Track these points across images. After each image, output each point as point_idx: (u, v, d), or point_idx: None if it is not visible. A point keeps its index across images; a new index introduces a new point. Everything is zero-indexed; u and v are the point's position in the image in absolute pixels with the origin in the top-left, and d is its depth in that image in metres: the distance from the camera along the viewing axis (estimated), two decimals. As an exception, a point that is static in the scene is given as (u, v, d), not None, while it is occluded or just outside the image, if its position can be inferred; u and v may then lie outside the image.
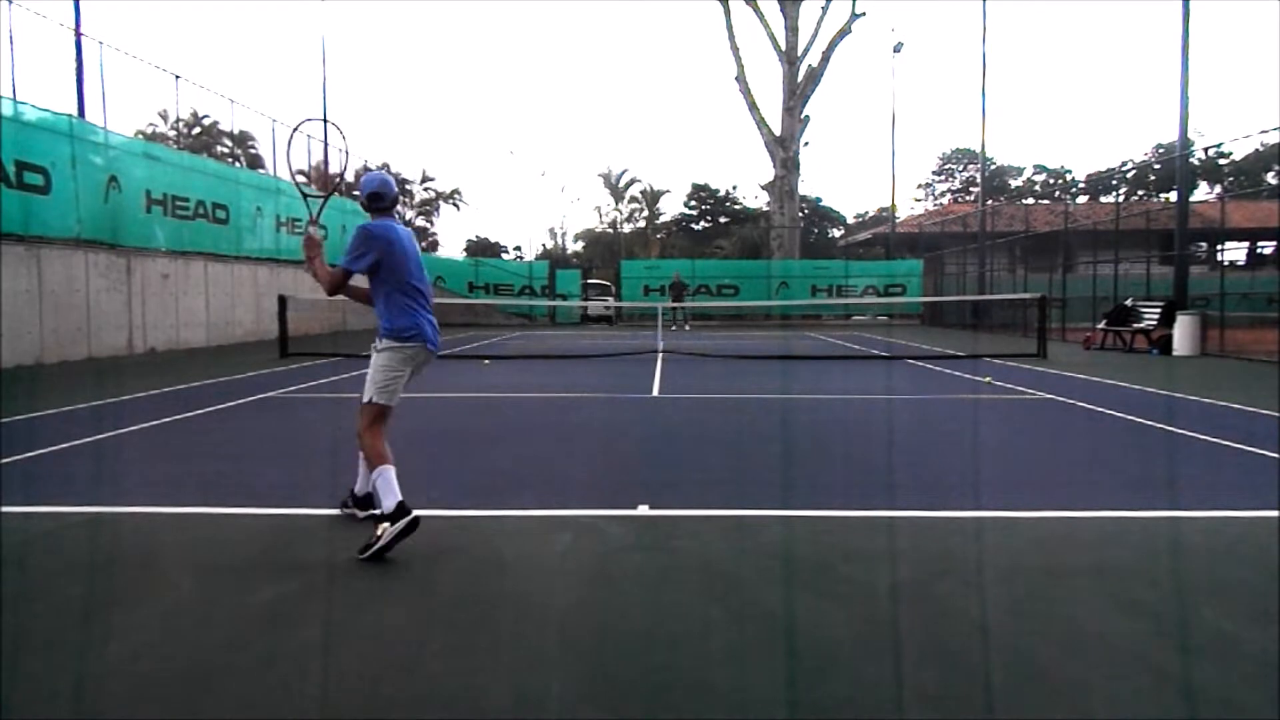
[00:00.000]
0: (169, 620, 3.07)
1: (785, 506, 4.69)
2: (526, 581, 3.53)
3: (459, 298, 30.68)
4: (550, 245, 59.41)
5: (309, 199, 4.74)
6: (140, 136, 25.33)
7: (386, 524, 3.73)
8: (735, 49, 34.57)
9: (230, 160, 37.23)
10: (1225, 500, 4.86)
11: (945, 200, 61.66)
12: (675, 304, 28.12)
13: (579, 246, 56.69)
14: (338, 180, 5.26)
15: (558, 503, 4.72)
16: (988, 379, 11.35)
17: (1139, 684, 2.57)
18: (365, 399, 3.99)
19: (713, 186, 54.62)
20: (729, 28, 34.70)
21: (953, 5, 76.82)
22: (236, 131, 37.26)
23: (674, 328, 27.86)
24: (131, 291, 15.86)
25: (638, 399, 9.57)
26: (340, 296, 4.24)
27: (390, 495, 3.76)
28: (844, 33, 34.06)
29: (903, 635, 2.94)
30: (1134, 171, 54.54)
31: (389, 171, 50.91)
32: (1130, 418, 7.95)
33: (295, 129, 5.47)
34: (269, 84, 77.79)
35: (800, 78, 34.40)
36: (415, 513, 3.75)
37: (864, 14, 38.41)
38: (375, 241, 3.97)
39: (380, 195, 4.14)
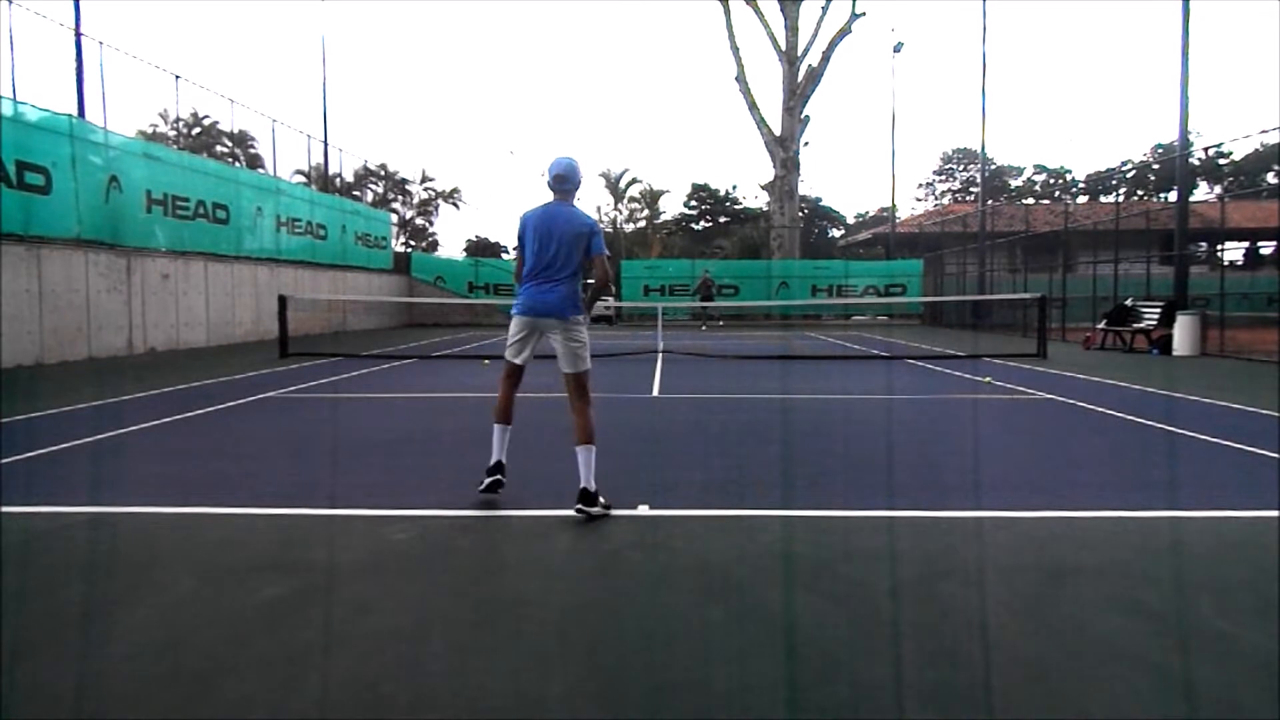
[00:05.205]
0: (169, 620, 3.07)
1: (785, 506, 4.69)
2: (526, 581, 3.53)
3: (459, 298, 30.70)
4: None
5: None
6: (140, 136, 25.33)
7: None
8: (735, 49, 34.56)
9: (230, 160, 37.26)
10: (1225, 500, 4.86)
11: (945, 200, 61.67)
12: (704, 303, 27.61)
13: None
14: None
15: (558, 503, 4.72)
16: (988, 379, 11.35)
17: (1139, 684, 2.57)
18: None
19: (713, 186, 54.71)
20: (729, 28, 34.71)
21: (953, 5, 76.89)
22: (236, 131, 37.36)
23: (703, 328, 27.62)
24: (131, 291, 15.86)
25: (638, 399, 9.57)
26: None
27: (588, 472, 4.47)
28: (844, 33, 34.05)
29: (903, 635, 2.93)
30: (1134, 171, 54.53)
31: (386, 170, 50.98)
32: (1130, 418, 7.95)
33: None
34: (269, 84, 77.84)
35: (800, 78, 34.38)
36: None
37: (864, 14, 38.45)
38: (518, 228, 4.71)
39: (563, 178, 4.64)
